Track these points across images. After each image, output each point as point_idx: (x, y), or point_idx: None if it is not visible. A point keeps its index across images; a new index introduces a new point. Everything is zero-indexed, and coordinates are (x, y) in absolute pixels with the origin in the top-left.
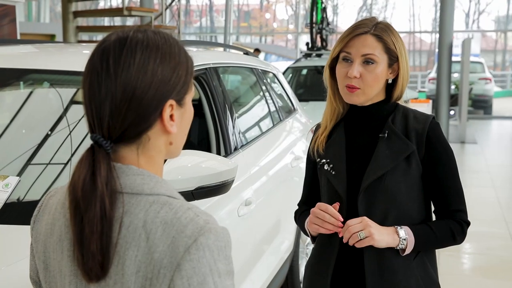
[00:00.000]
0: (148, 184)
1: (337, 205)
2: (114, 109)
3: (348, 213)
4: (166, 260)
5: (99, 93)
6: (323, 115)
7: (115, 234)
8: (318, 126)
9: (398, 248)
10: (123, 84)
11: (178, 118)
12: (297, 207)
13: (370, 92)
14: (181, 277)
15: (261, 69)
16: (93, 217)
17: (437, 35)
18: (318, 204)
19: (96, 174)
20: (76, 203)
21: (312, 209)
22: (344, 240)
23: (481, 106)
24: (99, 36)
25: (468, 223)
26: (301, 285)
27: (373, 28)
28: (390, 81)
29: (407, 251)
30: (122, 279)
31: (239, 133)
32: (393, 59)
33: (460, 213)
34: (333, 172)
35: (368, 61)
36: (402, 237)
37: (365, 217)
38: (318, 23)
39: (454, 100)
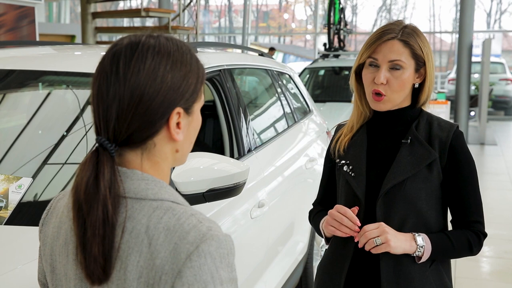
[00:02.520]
0: (152, 189)
1: (356, 209)
2: (121, 112)
3: (366, 217)
4: (168, 266)
5: (107, 96)
6: (350, 117)
7: (117, 239)
8: (339, 126)
9: (414, 255)
10: (131, 88)
11: (185, 126)
12: (311, 208)
13: (396, 98)
14: (182, 284)
15: (276, 70)
16: (95, 220)
17: (458, 35)
18: (337, 206)
19: (99, 177)
20: (78, 205)
21: (330, 211)
22: (360, 245)
23: (502, 107)
24: (118, 37)
25: (485, 235)
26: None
27: (400, 33)
28: (416, 86)
29: (423, 259)
30: (124, 284)
31: (253, 135)
32: (420, 64)
33: (477, 224)
34: (352, 174)
35: (395, 67)
36: (420, 244)
37: (382, 223)
38: (335, 23)
39: (474, 101)
